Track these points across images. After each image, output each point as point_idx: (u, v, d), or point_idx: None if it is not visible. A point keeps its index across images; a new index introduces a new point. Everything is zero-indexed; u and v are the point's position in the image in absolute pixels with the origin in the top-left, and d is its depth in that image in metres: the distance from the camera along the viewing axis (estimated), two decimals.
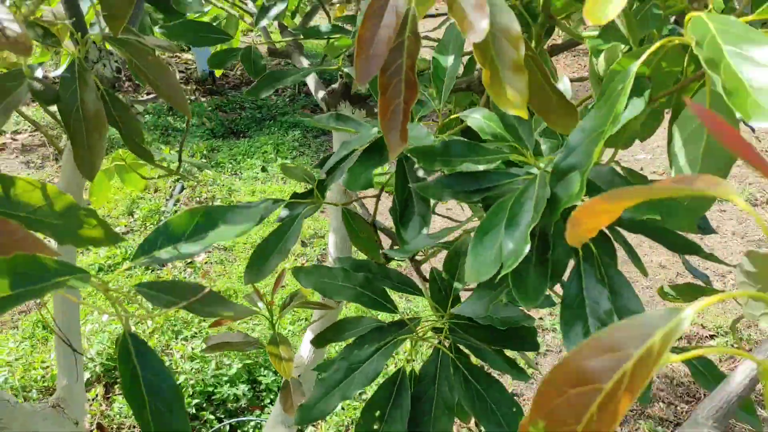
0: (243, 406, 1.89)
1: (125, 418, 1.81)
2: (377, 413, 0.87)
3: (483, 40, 0.58)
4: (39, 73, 0.86)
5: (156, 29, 1.26)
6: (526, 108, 0.57)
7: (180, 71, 5.34)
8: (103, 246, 0.59)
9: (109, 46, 0.90)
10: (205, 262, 2.67)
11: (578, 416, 0.34)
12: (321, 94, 1.22)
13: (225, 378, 1.88)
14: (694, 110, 0.29)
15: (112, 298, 0.55)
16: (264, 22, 1.22)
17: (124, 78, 0.98)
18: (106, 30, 0.82)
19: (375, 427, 0.86)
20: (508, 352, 0.88)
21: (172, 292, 0.55)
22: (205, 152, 3.76)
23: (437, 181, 0.69)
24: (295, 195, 0.97)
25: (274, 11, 1.22)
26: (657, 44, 0.55)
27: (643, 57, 0.55)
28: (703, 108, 0.29)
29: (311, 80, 1.28)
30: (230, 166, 3.62)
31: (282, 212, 0.96)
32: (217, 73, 4.70)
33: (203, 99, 4.76)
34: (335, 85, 1.18)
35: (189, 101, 4.72)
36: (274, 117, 4.34)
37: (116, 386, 1.91)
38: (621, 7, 0.49)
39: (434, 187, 0.69)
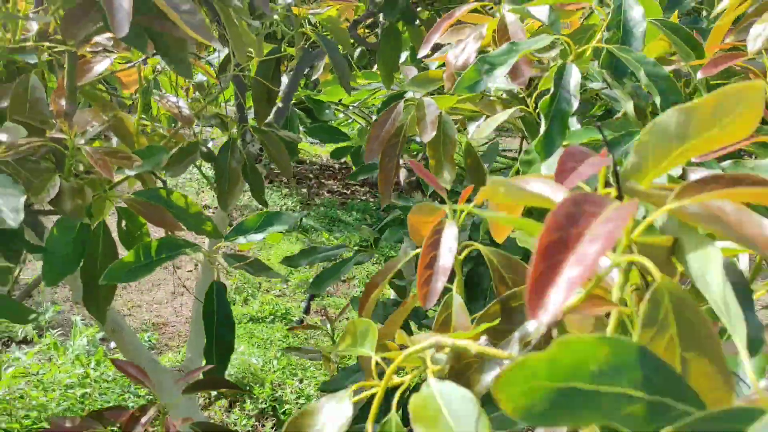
0: None
1: (236, 427, 2.25)
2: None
3: (435, 141, 0.97)
4: (210, 144, 1.38)
5: (301, 128, 1.78)
6: (450, 185, 0.94)
7: None
8: (210, 237, 1.03)
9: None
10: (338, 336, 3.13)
11: (370, 307, 0.71)
12: (404, 183, 1.65)
13: None
14: (411, 164, 0.66)
15: (213, 260, 1.00)
16: None
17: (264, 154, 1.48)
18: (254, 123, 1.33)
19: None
20: None
21: (240, 259, 0.99)
22: (357, 240, 4.32)
23: None
24: (360, 246, 1.39)
25: None
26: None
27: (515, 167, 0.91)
28: (414, 162, 0.67)
29: (402, 173, 1.72)
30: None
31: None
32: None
33: (371, 200, 5.43)
34: (413, 178, 1.60)
35: (359, 200, 5.41)
36: None
37: (237, 404, 2.38)
38: (488, 132, 0.86)
39: None
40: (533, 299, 0.26)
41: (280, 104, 1.53)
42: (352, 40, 1.71)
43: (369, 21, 1.86)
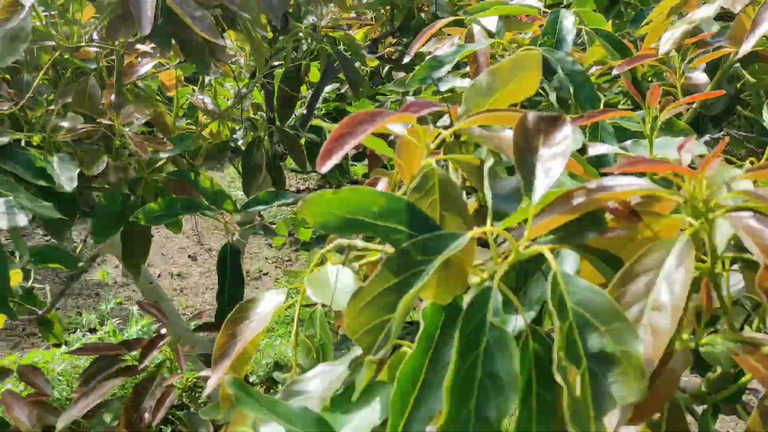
0: None
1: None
2: None
3: None
4: (239, 142, 1.61)
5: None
6: None
7: None
8: (231, 213, 1.24)
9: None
10: None
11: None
12: None
13: None
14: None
15: (225, 224, 1.21)
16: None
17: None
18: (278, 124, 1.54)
19: None
20: None
21: (248, 223, 1.19)
22: None
23: None
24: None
25: None
26: None
27: None
28: None
29: None
30: None
31: None
32: None
33: None
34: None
35: None
36: None
37: (271, 390, 2.58)
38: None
39: None
40: (322, 160, 0.44)
41: (304, 111, 1.74)
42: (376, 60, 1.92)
43: (395, 40, 2.07)
